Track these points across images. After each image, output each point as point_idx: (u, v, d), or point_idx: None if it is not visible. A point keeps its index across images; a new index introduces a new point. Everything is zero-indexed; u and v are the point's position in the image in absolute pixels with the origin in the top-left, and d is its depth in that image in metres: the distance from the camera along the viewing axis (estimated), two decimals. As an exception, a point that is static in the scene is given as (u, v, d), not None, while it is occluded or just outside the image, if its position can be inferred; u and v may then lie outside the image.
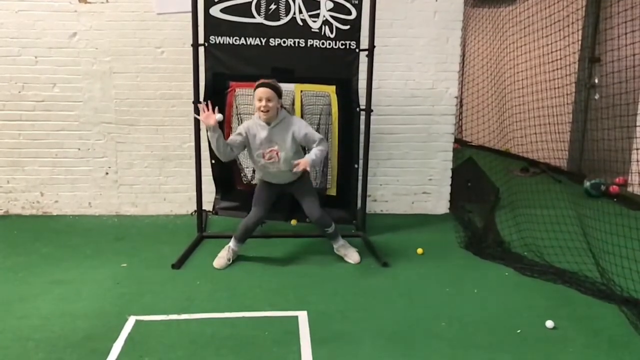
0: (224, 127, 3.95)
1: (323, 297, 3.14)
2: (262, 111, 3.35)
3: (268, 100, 3.32)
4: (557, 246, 3.77)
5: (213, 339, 2.64)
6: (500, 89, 6.11)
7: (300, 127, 3.43)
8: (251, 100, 3.84)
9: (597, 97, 5.92)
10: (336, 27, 3.82)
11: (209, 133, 3.37)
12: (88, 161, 4.61)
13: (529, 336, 2.72)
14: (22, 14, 4.31)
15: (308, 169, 3.35)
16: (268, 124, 3.41)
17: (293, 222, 4.27)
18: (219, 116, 3.32)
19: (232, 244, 3.66)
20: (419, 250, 3.75)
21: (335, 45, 3.84)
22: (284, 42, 3.82)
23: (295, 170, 3.35)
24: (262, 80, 3.37)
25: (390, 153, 4.75)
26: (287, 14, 3.79)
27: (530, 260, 3.69)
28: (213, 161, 4.01)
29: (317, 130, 3.97)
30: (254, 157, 3.53)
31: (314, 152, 3.40)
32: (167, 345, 2.58)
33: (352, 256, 3.71)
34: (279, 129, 3.43)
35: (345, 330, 2.76)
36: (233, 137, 3.49)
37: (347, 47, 3.85)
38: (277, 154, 3.45)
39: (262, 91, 3.33)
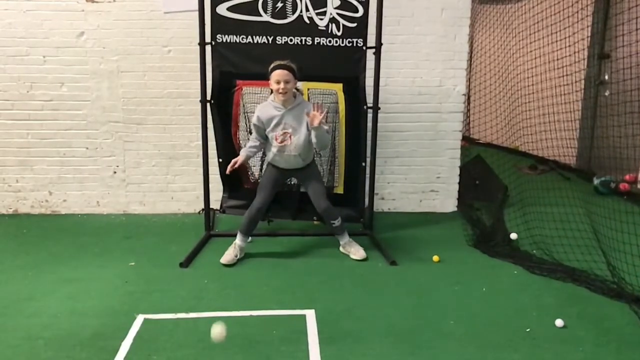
0: (231, 124, 3.96)
1: (331, 296, 3.13)
2: (280, 93, 3.37)
3: (286, 82, 3.36)
4: (566, 244, 3.74)
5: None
6: (509, 86, 6.07)
7: None
8: (258, 98, 3.86)
9: (607, 93, 5.87)
10: (343, 25, 3.80)
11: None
12: (96, 160, 4.63)
13: (539, 335, 2.70)
14: (30, 14, 4.33)
15: (316, 124, 3.34)
16: (284, 106, 3.43)
17: (316, 222, 4.26)
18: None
19: (238, 239, 3.68)
20: (435, 258, 3.69)
21: (342, 43, 3.82)
22: (291, 40, 3.81)
23: (311, 120, 3.35)
24: (278, 62, 3.39)
25: (398, 151, 4.73)
26: (293, 12, 3.78)
27: (539, 258, 3.67)
28: (220, 160, 4.01)
29: (325, 128, 3.99)
30: (268, 138, 3.59)
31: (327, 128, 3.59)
32: (175, 344, 2.58)
33: (357, 252, 3.71)
34: (295, 113, 3.47)
35: (353, 328, 2.75)
36: (254, 134, 3.61)
37: (354, 44, 3.83)
38: (290, 137, 3.47)
39: (280, 73, 3.35)
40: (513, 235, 3.94)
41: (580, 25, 5.41)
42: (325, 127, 3.54)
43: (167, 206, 4.76)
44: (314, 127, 3.36)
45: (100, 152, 4.61)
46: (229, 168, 3.54)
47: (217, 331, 2.49)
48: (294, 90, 3.50)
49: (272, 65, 3.39)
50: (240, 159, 3.56)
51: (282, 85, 3.35)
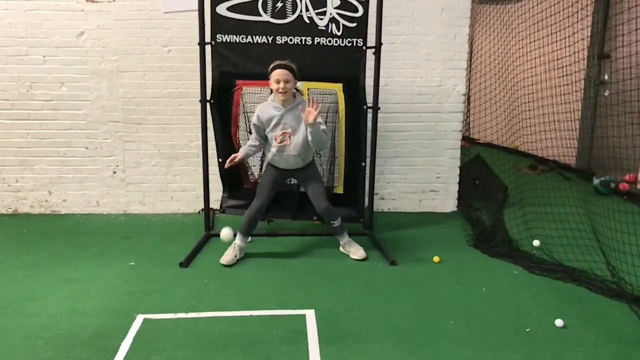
0: (231, 125, 3.96)
1: (331, 296, 3.13)
2: (280, 92, 3.37)
3: (286, 81, 3.36)
4: (566, 244, 3.74)
5: (221, 338, 2.64)
6: (508, 86, 6.07)
7: None
8: (258, 98, 3.85)
9: (607, 93, 5.87)
10: (343, 25, 3.80)
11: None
12: (96, 160, 4.63)
13: (538, 335, 2.70)
14: (29, 14, 4.33)
15: (312, 119, 3.29)
16: (283, 106, 3.44)
17: (316, 222, 4.26)
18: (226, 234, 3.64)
19: (237, 239, 3.68)
20: (436, 259, 3.68)
21: (342, 42, 3.82)
22: (291, 40, 3.81)
23: (305, 116, 3.33)
24: (277, 62, 3.39)
25: (398, 151, 4.73)
26: (293, 11, 3.78)
27: (539, 258, 3.66)
28: (220, 160, 4.01)
29: (324, 128, 3.99)
30: (268, 138, 3.60)
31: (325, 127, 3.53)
32: (175, 344, 2.58)
33: (357, 252, 3.71)
34: (293, 113, 3.47)
35: (353, 328, 2.75)
36: (254, 134, 3.62)
37: (354, 44, 3.83)
38: (289, 137, 3.47)
39: (279, 73, 3.35)
40: (536, 242, 3.87)
41: (580, 25, 5.41)
42: (323, 127, 3.49)
43: (167, 206, 4.75)
44: (309, 123, 3.33)
45: (100, 152, 4.61)
46: (227, 163, 3.55)
47: (226, 233, 3.29)
48: (294, 90, 3.50)
49: (272, 65, 3.39)
50: (239, 155, 3.58)
51: (281, 85, 3.35)
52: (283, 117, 3.47)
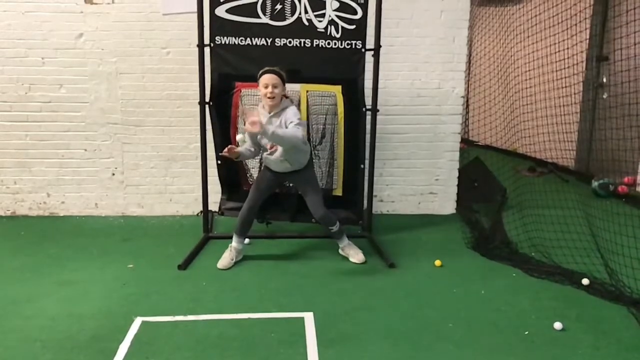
0: (230, 127, 3.96)
1: (329, 298, 3.13)
2: (268, 97, 3.36)
3: (274, 86, 3.33)
4: (565, 247, 3.74)
5: (219, 340, 2.64)
6: (507, 89, 6.07)
7: (288, 117, 3.37)
8: (257, 100, 3.85)
9: (605, 96, 5.88)
10: (342, 27, 3.80)
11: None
12: (94, 162, 4.62)
13: (537, 338, 2.70)
14: (28, 15, 4.33)
15: (257, 128, 3.03)
16: (270, 111, 3.43)
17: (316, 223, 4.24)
18: (239, 137, 3.53)
19: (234, 242, 3.67)
20: (437, 262, 3.66)
21: (341, 45, 3.82)
22: (290, 42, 3.81)
23: (247, 124, 3.09)
24: (266, 68, 3.37)
25: (397, 153, 4.73)
26: (292, 14, 3.78)
27: (538, 261, 3.67)
28: (219, 162, 4.01)
29: (324, 130, 3.98)
30: (261, 143, 3.55)
31: (280, 128, 3.28)
32: (173, 346, 2.57)
33: (356, 256, 3.71)
34: (276, 118, 3.44)
35: (351, 331, 2.75)
36: (249, 142, 3.57)
37: (353, 46, 3.83)
38: None
39: (268, 77, 3.33)
40: (585, 281, 3.32)
41: (579, 27, 5.41)
42: (291, 127, 3.28)
43: (166, 208, 4.75)
44: (257, 133, 3.16)
45: (98, 154, 4.61)
46: (225, 151, 3.42)
47: (241, 137, 3.41)
48: (283, 96, 3.46)
49: (261, 71, 3.38)
50: (239, 147, 3.49)
51: (269, 90, 3.33)
52: (267, 123, 3.42)
